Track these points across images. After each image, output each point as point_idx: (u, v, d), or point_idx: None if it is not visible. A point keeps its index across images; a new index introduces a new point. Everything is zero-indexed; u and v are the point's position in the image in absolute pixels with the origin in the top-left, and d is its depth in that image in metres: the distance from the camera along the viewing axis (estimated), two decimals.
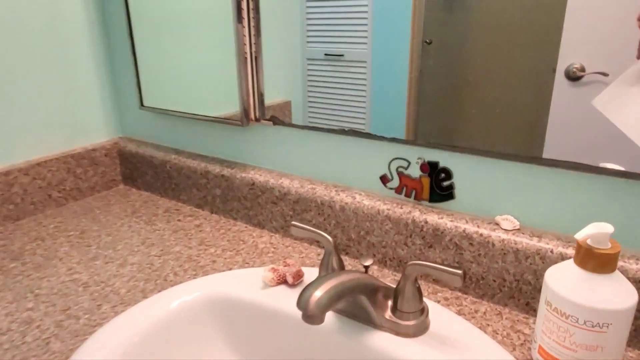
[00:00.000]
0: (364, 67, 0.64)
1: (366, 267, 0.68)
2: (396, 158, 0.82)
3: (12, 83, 1.02)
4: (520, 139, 0.59)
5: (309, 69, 0.74)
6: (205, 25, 0.95)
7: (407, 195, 0.83)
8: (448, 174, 0.78)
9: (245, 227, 1.02)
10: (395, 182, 0.84)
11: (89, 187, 1.19)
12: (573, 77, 0.49)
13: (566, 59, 0.49)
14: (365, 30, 0.62)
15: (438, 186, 0.79)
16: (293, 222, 0.74)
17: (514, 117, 0.57)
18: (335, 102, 0.74)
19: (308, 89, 0.74)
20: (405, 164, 0.82)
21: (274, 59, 0.87)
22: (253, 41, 0.91)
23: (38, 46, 1.05)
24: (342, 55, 0.65)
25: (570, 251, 0.66)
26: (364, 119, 0.71)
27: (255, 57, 0.92)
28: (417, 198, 0.82)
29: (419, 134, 0.68)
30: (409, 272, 0.64)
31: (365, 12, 0.61)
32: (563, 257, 0.67)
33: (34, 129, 1.08)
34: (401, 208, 0.81)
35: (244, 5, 0.88)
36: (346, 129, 0.85)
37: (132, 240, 0.97)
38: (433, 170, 0.79)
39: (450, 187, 0.78)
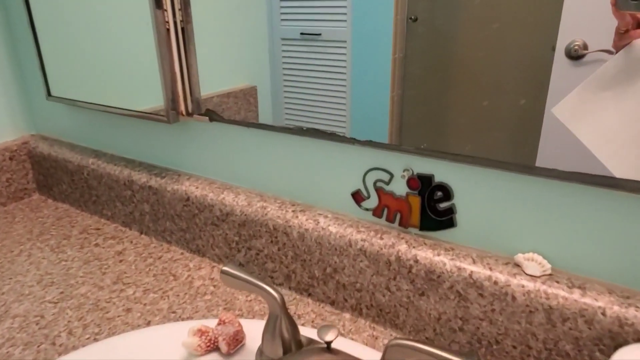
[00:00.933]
0: (344, 47, 0.61)
1: (328, 344, 0.45)
2: (374, 169, 0.59)
3: None
4: (516, 129, 0.52)
5: (283, 50, 0.66)
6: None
7: (390, 219, 0.60)
8: (447, 193, 0.55)
9: (182, 254, 0.79)
10: (373, 202, 0.61)
11: None
12: (574, 55, 0.46)
13: (567, 35, 0.47)
14: (345, 7, 0.59)
15: (432, 209, 0.56)
16: (223, 268, 0.51)
17: (509, 102, 0.51)
18: (312, 86, 0.65)
19: (283, 72, 0.67)
20: (386, 177, 0.58)
21: (234, 37, 0.68)
22: (177, 5, 0.66)
23: None
24: (319, 34, 0.62)
25: (634, 313, 0.44)
26: (344, 104, 0.62)
27: (182, 29, 0.67)
28: (404, 224, 0.59)
29: (403, 124, 0.59)
30: (390, 357, 0.41)
31: None
32: (621, 323, 0.45)
33: None
34: (381, 239, 0.58)
35: None
36: (304, 128, 0.62)
37: (27, 277, 0.73)
38: (426, 186, 0.56)
39: (450, 211, 0.55)
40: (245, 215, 0.69)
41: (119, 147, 0.89)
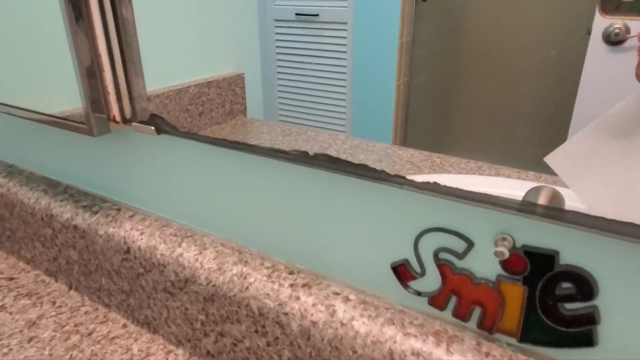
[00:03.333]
0: (344, 29, 0.56)
1: None
2: (437, 229, 0.33)
3: None
4: (539, 125, 0.45)
5: (277, 33, 0.60)
6: None
7: (461, 315, 0.34)
8: (584, 286, 0.29)
9: (124, 326, 0.53)
10: (430, 282, 0.35)
11: None
12: (614, 40, 0.39)
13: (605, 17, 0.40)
14: None
15: (551, 310, 0.31)
16: None
17: (531, 94, 0.45)
18: (309, 73, 0.58)
19: (277, 57, 0.60)
20: (459, 245, 0.33)
21: (215, 13, 0.58)
22: None
23: None
24: (316, 15, 0.57)
25: None
26: (344, 93, 0.56)
27: None
28: (487, 327, 0.33)
29: (409, 115, 0.52)
30: None
31: None
32: None
33: None
34: (449, 351, 0.32)
35: None
36: (313, 154, 0.36)
37: None
38: (539, 269, 0.30)
39: (588, 319, 0.30)
40: (215, 286, 0.43)
41: (40, 164, 0.62)
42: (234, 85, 0.60)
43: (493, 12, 0.49)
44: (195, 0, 0.57)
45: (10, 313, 0.55)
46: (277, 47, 0.62)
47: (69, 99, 0.50)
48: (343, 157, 0.48)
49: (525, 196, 0.30)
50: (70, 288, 0.59)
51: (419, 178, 0.33)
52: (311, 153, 0.36)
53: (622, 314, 0.29)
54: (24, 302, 0.57)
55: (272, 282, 0.41)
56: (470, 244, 0.32)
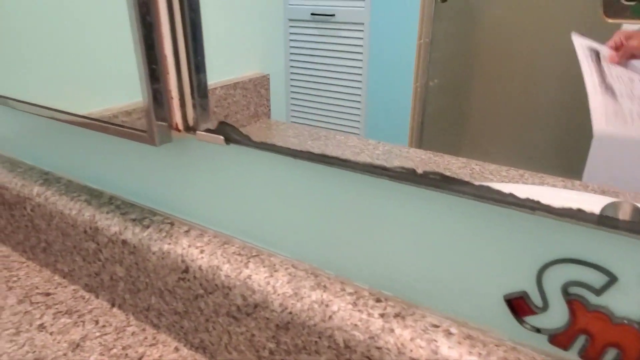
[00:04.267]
0: (361, 30, 0.54)
1: None
2: (570, 261, 0.29)
3: None
4: (560, 132, 0.42)
5: (291, 33, 0.57)
6: None
7: (591, 357, 0.30)
8: None
9: (176, 349, 0.49)
10: (554, 318, 0.31)
11: None
12: None
13: None
14: None
15: None
16: None
17: (552, 99, 0.43)
18: (323, 74, 0.56)
19: (290, 58, 0.57)
20: (597, 279, 0.29)
21: (242, 12, 0.54)
22: None
23: None
24: (332, 15, 0.55)
25: None
26: (359, 95, 0.54)
27: None
28: None
29: (426, 117, 0.50)
30: None
31: None
32: None
33: None
34: None
35: None
36: (418, 171, 0.32)
37: None
38: None
39: None
40: (291, 313, 0.39)
41: (79, 170, 0.58)
42: (259, 86, 0.57)
43: (514, 14, 0.47)
44: (221, 1, 0.54)
45: (51, 333, 0.51)
46: (291, 47, 0.59)
47: (99, 97, 0.47)
48: (377, 163, 0.46)
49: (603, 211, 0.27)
50: (113, 305, 0.55)
51: (533, 192, 0.29)
52: (387, 164, 0.32)
53: None
54: (64, 321, 0.53)
55: (359, 311, 0.37)
56: (612, 279, 0.28)
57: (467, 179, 0.41)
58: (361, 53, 0.56)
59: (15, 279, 0.61)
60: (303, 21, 0.59)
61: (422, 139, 0.52)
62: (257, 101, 0.55)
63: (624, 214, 0.26)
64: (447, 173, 0.44)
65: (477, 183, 0.30)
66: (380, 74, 0.56)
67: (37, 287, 0.59)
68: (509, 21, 0.47)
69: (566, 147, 0.45)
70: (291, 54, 0.59)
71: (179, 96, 0.41)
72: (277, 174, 0.41)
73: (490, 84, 0.49)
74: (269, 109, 0.59)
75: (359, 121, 0.55)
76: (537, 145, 0.46)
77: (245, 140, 0.39)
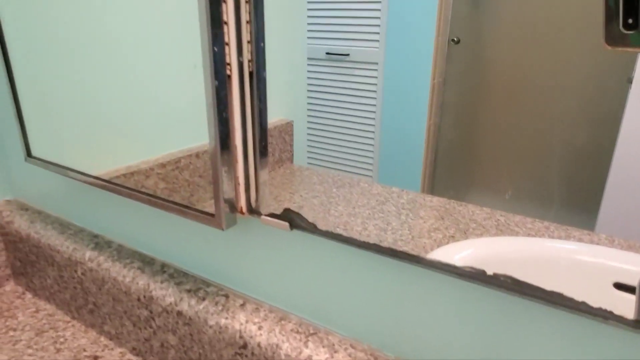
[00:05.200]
0: (375, 69, 0.56)
1: None
2: None
3: None
4: (573, 177, 0.43)
5: (307, 71, 0.58)
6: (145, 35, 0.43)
7: None
8: None
9: None
10: None
11: None
12: None
13: None
14: (378, 25, 0.55)
15: None
16: None
17: (565, 143, 0.44)
18: (338, 111, 0.57)
19: (307, 94, 0.58)
20: None
21: (273, 67, 0.53)
22: (247, 32, 0.38)
23: None
24: (347, 54, 0.57)
25: None
26: (372, 132, 0.56)
27: (252, 71, 0.39)
28: None
29: (438, 155, 0.52)
30: None
31: (379, 1, 0.55)
32: None
33: None
34: None
35: None
36: (489, 273, 0.33)
37: None
38: None
39: None
40: None
41: (131, 236, 0.60)
42: (283, 133, 0.58)
43: (527, 55, 0.48)
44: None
45: None
46: (308, 84, 0.61)
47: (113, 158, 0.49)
48: (403, 213, 0.46)
49: None
50: None
51: (504, 241, 0.30)
52: (458, 260, 0.34)
53: None
54: None
55: None
56: None
57: (493, 231, 0.43)
58: (375, 92, 0.57)
59: (62, 339, 0.62)
60: (318, 60, 0.60)
61: (435, 175, 0.54)
62: (282, 147, 0.56)
63: None
64: (473, 225, 0.45)
65: (548, 289, 0.31)
66: (393, 112, 0.57)
67: (84, 350, 0.60)
68: (519, 62, 0.48)
69: (578, 185, 0.46)
70: (308, 90, 0.61)
71: (245, 181, 0.43)
72: (340, 261, 0.42)
73: (501, 122, 0.50)
74: (292, 154, 0.59)
75: (372, 157, 0.57)
76: (549, 183, 0.47)
77: (310, 228, 0.41)
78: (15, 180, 0.72)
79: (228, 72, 0.39)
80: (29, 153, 0.60)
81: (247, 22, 0.38)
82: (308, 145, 0.59)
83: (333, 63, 0.59)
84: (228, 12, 0.38)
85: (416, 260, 0.36)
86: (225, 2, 0.37)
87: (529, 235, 0.44)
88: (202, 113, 0.41)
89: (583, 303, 0.30)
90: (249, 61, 0.40)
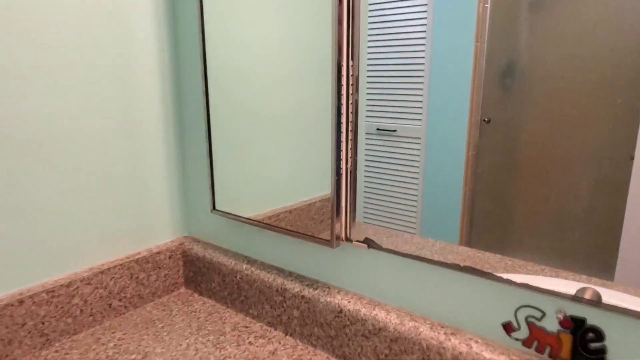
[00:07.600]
0: (418, 143, 0.63)
1: None
2: (527, 306, 0.69)
3: (79, 184, 0.95)
4: (590, 235, 0.51)
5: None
6: (301, 123, 0.87)
7: (539, 350, 0.69)
8: (599, 335, 0.64)
9: (327, 358, 0.89)
10: (523, 333, 0.70)
11: (150, 293, 1.09)
12: None
13: None
14: (421, 107, 0.62)
15: (584, 347, 0.65)
16: None
17: (582, 206, 0.51)
18: (387, 177, 0.71)
19: (365, 164, 0.75)
20: (538, 314, 0.68)
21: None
22: (349, 153, 0.82)
23: (108, 147, 0.99)
24: (394, 130, 0.65)
25: None
26: (415, 195, 0.67)
27: (351, 171, 0.83)
28: (553, 356, 0.67)
29: (474, 216, 0.62)
30: None
31: (421, 89, 0.61)
32: None
33: (100, 232, 1.00)
34: None
35: (343, 110, 0.79)
36: (461, 265, 0.73)
37: None
38: (578, 327, 0.65)
39: (601, 351, 0.64)
40: (399, 332, 0.79)
41: (272, 258, 1.03)
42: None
43: (546, 133, 0.51)
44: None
45: (257, 346, 0.93)
46: (364, 154, 0.73)
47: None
48: (435, 255, 0.80)
49: (577, 292, 0.66)
50: (286, 334, 0.97)
51: (519, 278, 0.69)
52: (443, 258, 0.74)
53: (619, 349, 0.63)
54: (260, 341, 0.95)
55: (433, 331, 0.77)
56: (544, 314, 0.68)
57: (501, 270, 0.79)
58: (418, 162, 0.63)
59: (224, 318, 1.04)
60: (370, 134, 0.70)
61: (471, 234, 0.62)
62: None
63: (588, 293, 0.66)
64: (487, 266, 0.80)
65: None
66: (434, 180, 0.63)
67: (239, 323, 1.02)
68: (542, 139, 0.51)
69: (595, 244, 0.49)
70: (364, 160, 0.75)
71: (345, 223, 0.86)
72: (396, 266, 0.83)
73: (529, 189, 0.54)
74: (355, 212, 0.82)
75: (415, 217, 0.66)
76: (570, 242, 0.52)
77: (378, 247, 0.83)
78: (192, 223, 1.18)
79: (342, 170, 0.83)
80: (214, 207, 1.06)
81: (350, 149, 0.83)
82: (364, 206, 0.77)
83: (382, 137, 0.67)
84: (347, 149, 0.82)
85: (428, 261, 0.77)
86: (342, 141, 0.82)
87: (528, 274, 0.79)
88: (317, 183, 0.85)
89: (489, 273, 0.70)
90: (349, 165, 0.83)
